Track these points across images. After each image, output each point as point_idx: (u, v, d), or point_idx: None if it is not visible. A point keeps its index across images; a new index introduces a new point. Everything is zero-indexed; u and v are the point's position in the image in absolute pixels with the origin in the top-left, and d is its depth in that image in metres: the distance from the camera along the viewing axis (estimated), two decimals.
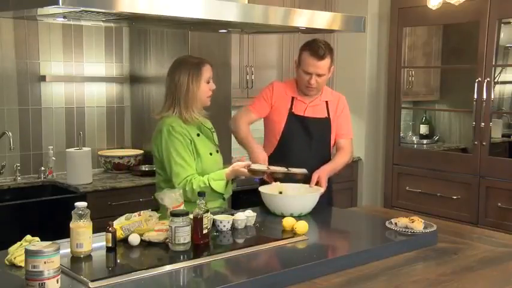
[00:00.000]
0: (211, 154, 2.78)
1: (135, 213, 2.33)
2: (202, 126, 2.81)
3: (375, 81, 4.99)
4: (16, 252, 2.00)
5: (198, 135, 2.76)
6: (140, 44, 4.13)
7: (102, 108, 4.15)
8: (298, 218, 2.59)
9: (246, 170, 2.65)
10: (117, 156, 4.00)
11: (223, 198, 2.77)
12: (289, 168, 2.75)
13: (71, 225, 2.08)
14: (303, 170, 2.78)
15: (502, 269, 2.25)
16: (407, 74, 5.04)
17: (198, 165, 2.71)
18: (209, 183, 2.62)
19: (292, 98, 3.12)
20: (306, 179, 2.93)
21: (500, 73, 4.59)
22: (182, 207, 2.45)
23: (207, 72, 2.75)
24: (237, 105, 4.08)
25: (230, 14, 2.35)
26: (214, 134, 2.89)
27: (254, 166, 2.63)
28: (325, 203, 3.04)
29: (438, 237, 2.53)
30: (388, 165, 4.92)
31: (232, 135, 4.05)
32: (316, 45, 2.98)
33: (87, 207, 2.11)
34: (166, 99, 2.77)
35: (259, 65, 4.52)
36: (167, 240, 2.21)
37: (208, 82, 2.75)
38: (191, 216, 2.23)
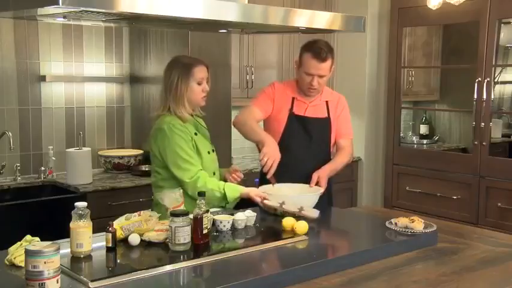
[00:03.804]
0: (208, 153, 2.81)
1: (135, 213, 2.33)
2: (199, 126, 2.82)
3: (375, 81, 4.99)
4: (16, 252, 2.00)
5: (196, 134, 2.77)
6: (140, 44, 4.13)
7: (102, 108, 4.15)
8: (298, 218, 2.59)
9: (260, 200, 2.66)
10: (117, 156, 4.00)
11: (224, 206, 2.75)
12: (301, 210, 2.62)
13: (71, 225, 2.08)
14: (315, 214, 2.64)
15: (502, 269, 2.25)
16: (407, 74, 5.04)
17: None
18: (224, 188, 2.65)
19: (293, 98, 3.11)
20: (306, 180, 2.94)
21: (500, 73, 4.59)
22: (182, 207, 2.45)
23: (199, 73, 2.74)
24: (237, 105, 4.07)
25: (230, 14, 2.35)
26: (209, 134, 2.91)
27: (268, 202, 2.61)
28: (325, 203, 3.04)
29: (438, 237, 2.53)
30: (388, 165, 4.92)
31: (231, 136, 4.07)
32: (318, 47, 2.98)
33: (87, 207, 2.11)
34: (161, 98, 2.80)
35: (259, 65, 4.53)
36: (167, 240, 2.21)
37: (200, 83, 2.74)
38: (191, 216, 2.23)
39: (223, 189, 2.65)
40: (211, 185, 2.66)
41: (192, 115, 2.81)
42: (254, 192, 2.68)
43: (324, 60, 2.97)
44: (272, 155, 2.80)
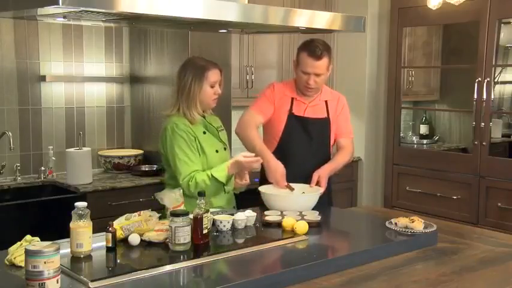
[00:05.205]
0: (217, 151, 2.83)
1: (135, 213, 2.33)
2: (208, 125, 2.84)
3: (374, 81, 4.99)
4: (16, 252, 2.00)
5: (204, 133, 2.81)
6: (140, 44, 4.13)
7: (102, 108, 4.15)
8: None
9: (243, 160, 2.67)
10: (117, 156, 4.00)
11: (225, 191, 2.77)
12: (302, 216, 2.62)
13: (71, 225, 2.08)
14: (317, 218, 2.64)
15: (502, 269, 2.25)
16: (407, 74, 5.04)
17: (203, 162, 2.76)
18: (211, 174, 2.67)
19: (292, 98, 3.11)
20: (306, 180, 2.94)
21: (500, 73, 4.59)
22: (182, 207, 2.46)
23: (212, 76, 2.77)
24: (237, 105, 4.07)
25: (230, 14, 2.35)
26: (222, 132, 2.93)
27: (269, 218, 2.60)
28: (325, 203, 3.04)
29: (438, 237, 2.53)
30: (388, 165, 4.92)
31: (232, 135, 4.06)
32: (313, 45, 2.98)
33: (87, 207, 2.11)
34: (172, 98, 2.83)
35: (259, 65, 4.52)
36: (167, 240, 2.21)
37: (213, 86, 2.78)
38: (191, 216, 2.23)
39: (211, 174, 2.68)
40: (201, 176, 2.67)
41: (203, 116, 2.83)
42: (239, 158, 2.69)
43: (320, 58, 2.97)
44: (279, 172, 2.88)
